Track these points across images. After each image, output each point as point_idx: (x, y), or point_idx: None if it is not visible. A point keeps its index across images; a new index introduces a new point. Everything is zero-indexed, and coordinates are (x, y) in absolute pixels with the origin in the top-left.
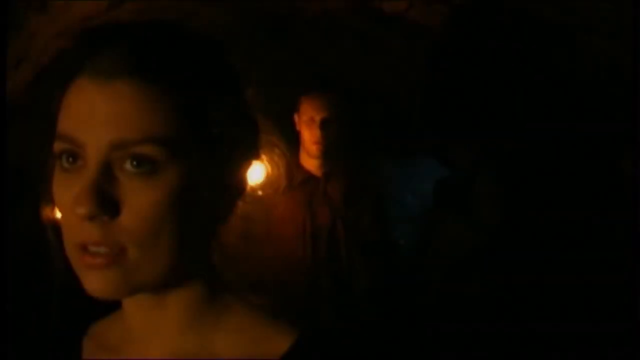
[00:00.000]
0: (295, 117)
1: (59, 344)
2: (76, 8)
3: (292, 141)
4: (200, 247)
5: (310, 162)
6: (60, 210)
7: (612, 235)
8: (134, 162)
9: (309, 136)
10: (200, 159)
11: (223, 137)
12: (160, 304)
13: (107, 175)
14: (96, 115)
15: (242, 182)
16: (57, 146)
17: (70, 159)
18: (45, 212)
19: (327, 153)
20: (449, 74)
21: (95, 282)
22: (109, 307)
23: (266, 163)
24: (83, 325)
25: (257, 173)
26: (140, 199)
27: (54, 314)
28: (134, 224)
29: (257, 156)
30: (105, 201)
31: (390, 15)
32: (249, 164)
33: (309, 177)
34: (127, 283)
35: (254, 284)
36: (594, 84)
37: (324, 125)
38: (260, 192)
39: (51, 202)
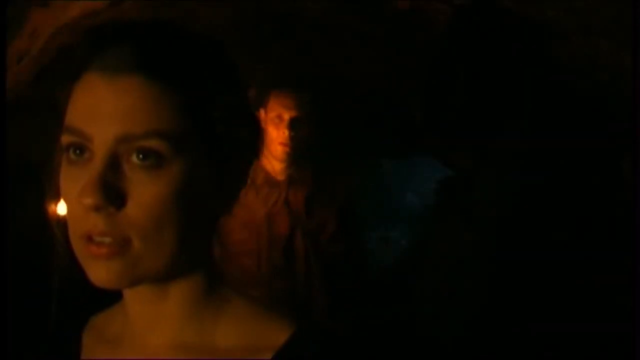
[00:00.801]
0: (262, 113)
1: (59, 336)
2: (77, 4)
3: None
4: (202, 240)
5: (273, 164)
6: (67, 202)
7: (612, 235)
8: (140, 155)
9: (275, 135)
10: (204, 155)
11: (225, 134)
12: (161, 296)
13: (113, 168)
14: (103, 109)
15: (243, 178)
16: (65, 139)
17: (78, 152)
18: (50, 204)
19: (293, 155)
20: (450, 75)
21: (100, 272)
22: (109, 299)
23: None
24: (83, 318)
25: None
26: (145, 191)
27: (55, 307)
28: (138, 215)
29: (257, 155)
30: (111, 192)
31: (394, 13)
32: (249, 162)
33: (269, 180)
34: (130, 273)
35: None
36: (595, 85)
37: (293, 124)
38: None
39: (56, 195)
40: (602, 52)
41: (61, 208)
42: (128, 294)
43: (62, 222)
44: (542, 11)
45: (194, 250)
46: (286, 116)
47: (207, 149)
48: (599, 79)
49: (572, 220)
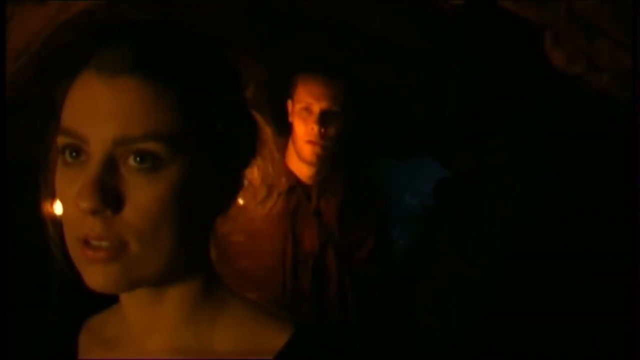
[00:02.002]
0: (289, 105)
1: (56, 337)
2: (75, 3)
3: (282, 135)
4: (199, 242)
5: (300, 166)
6: (63, 205)
7: (615, 236)
8: (137, 158)
9: (303, 132)
10: (202, 155)
11: (224, 134)
12: (158, 299)
13: (110, 171)
14: (100, 110)
15: (241, 179)
16: (61, 140)
17: (74, 154)
18: (45, 205)
19: (324, 156)
20: (450, 75)
21: (97, 276)
22: (106, 301)
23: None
24: (80, 319)
25: None
26: (142, 195)
27: (51, 308)
28: (136, 219)
29: (255, 154)
30: (108, 196)
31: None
32: (248, 162)
33: (296, 186)
34: (128, 277)
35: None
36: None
37: (324, 118)
38: (240, 201)
39: (52, 196)
40: (602, 52)
41: (57, 210)
42: (125, 297)
43: (57, 224)
44: (541, 11)
45: (191, 253)
46: (316, 108)
47: (206, 150)
48: (599, 79)
49: (573, 220)
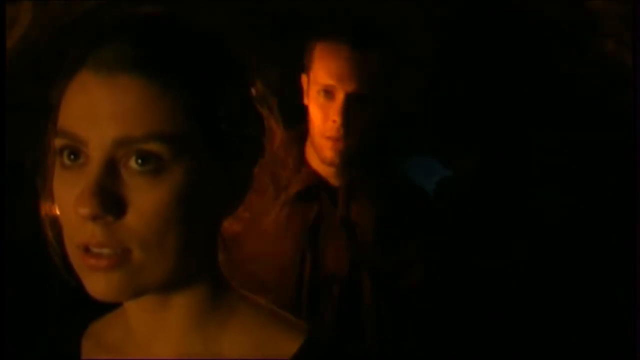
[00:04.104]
0: (303, 80)
1: (58, 342)
2: (77, 3)
3: (293, 121)
4: (206, 247)
5: (320, 165)
6: (62, 209)
7: (613, 236)
8: (139, 160)
9: (321, 125)
10: (207, 156)
11: (230, 133)
12: (164, 305)
13: (110, 174)
14: (99, 111)
15: (249, 180)
16: (58, 142)
17: (72, 156)
18: (44, 208)
19: (350, 156)
20: (452, 76)
21: (98, 285)
22: (109, 305)
23: None
24: (82, 324)
25: None
26: (145, 199)
27: (53, 313)
28: (138, 224)
29: (263, 154)
30: (109, 201)
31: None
32: (255, 162)
33: (316, 186)
34: (131, 285)
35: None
36: (599, 85)
37: (350, 105)
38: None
39: (50, 199)
40: (607, 52)
41: (55, 215)
42: (129, 303)
43: (56, 229)
44: (546, 12)
45: (197, 258)
46: (339, 93)
47: (210, 150)
48: (604, 80)
49: (574, 220)
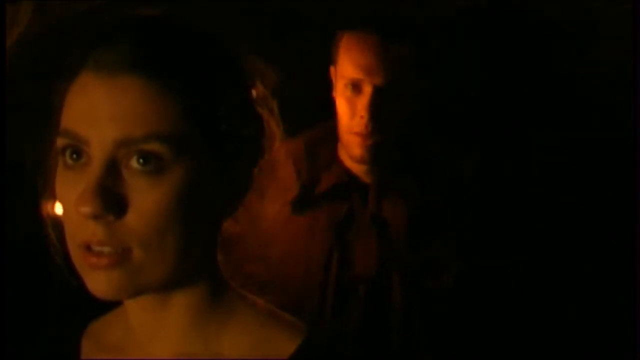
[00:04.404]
0: (332, 72)
1: (58, 342)
2: (76, 3)
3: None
4: (206, 246)
5: (350, 162)
6: (63, 209)
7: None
8: (140, 160)
9: (348, 120)
10: (206, 156)
11: (229, 134)
12: (164, 305)
13: (112, 173)
14: (100, 111)
15: (248, 180)
16: (61, 141)
17: (74, 156)
18: (45, 208)
19: (381, 153)
20: (451, 76)
21: (99, 283)
22: (110, 304)
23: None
24: (82, 324)
25: None
26: (146, 198)
27: (53, 312)
28: (139, 223)
29: (263, 155)
30: (110, 200)
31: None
32: (255, 163)
33: (347, 183)
34: (131, 284)
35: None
36: (599, 86)
37: (378, 99)
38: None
39: (52, 198)
40: (606, 54)
41: (57, 214)
42: (129, 302)
43: (58, 228)
44: (546, 11)
45: (197, 257)
46: (367, 87)
47: (210, 150)
48: (604, 80)
49: (575, 221)
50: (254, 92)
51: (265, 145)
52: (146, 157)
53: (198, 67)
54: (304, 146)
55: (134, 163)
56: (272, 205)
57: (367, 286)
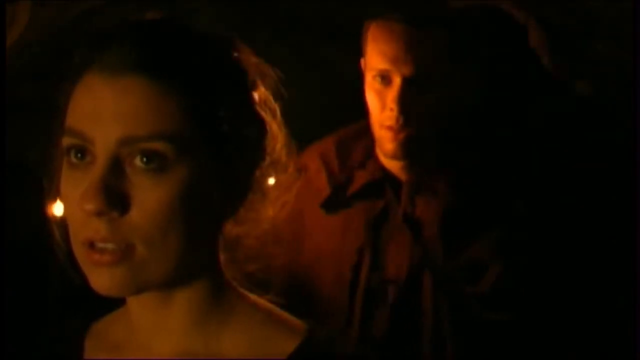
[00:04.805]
0: (362, 63)
1: (61, 342)
2: (76, 3)
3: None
4: (207, 244)
5: (385, 157)
6: (68, 206)
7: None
8: (144, 159)
9: (378, 113)
10: (209, 156)
11: (230, 134)
12: (165, 303)
13: (116, 172)
14: (105, 111)
15: (248, 181)
16: (66, 141)
17: (79, 155)
18: (50, 208)
19: (414, 148)
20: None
21: (102, 280)
22: (113, 304)
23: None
24: (85, 324)
25: None
26: (149, 196)
27: (55, 312)
28: (142, 220)
29: (264, 157)
30: (113, 197)
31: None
32: (255, 164)
33: (382, 180)
34: (134, 280)
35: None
36: (598, 85)
37: (408, 90)
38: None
39: (57, 198)
40: (603, 53)
41: (61, 212)
42: (131, 300)
43: (63, 227)
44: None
45: (199, 255)
46: (396, 78)
47: (212, 150)
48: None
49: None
50: (255, 94)
51: (267, 147)
52: (149, 156)
53: (200, 68)
54: (335, 145)
55: (138, 161)
56: (303, 206)
57: (396, 290)
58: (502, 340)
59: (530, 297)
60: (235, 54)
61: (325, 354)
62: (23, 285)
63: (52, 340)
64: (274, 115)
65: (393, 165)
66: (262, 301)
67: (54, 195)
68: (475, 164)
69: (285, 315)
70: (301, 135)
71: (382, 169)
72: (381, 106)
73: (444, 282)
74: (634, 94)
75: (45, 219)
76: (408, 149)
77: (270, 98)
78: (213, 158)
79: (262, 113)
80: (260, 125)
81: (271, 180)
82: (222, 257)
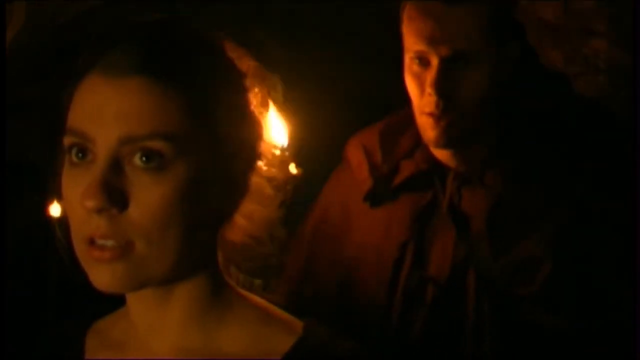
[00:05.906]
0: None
1: (62, 341)
2: (75, 3)
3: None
4: (206, 242)
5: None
6: (69, 204)
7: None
8: (143, 157)
9: (417, 98)
10: (207, 156)
11: (227, 135)
12: (165, 299)
13: (116, 170)
14: (106, 110)
15: (244, 182)
16: (67, 140)
17: (80, 154)
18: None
19: (458, 132)
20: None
21: (103, 276)
22: (113, 302)
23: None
24: (86, 323)
25: None
26: (148, 194)
27: (56, 311)
28: (142, 217)
29: (259, 157)
30: (113, 195)
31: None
32: (250, 166)
33: (429, 171)
34: (134, 277)
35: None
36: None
37: (449, 72)
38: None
39: (58, 197)
40: (602, 52)
41: (62, 210)
42: (131, 297)
43: (64, 225)
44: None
45: (198, 253)
46: (434, 59)
47: (210, 151)
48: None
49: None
50: (252, 96)
51: (263, 148)
52: (149, 155)
53: (199, 69)
54: (379, 136)
55: (137, 160)
56: (347, 200)
57: (436, 289)
58: (551, 348)
59: (584, 300)
60: (233, 55)
61: (321, 353)
62: (23, 284)
63: (52, 340)
64: (270, 116)
65: (443, 155)
66: (260, 300)
67: (55, 194)
68: (532, 154)
69: (283, 314)
70: (301, 135)
71: (431, 158)
72: (420, 91)
73: (490, 282)
74: (634, 94)
75: (45, 218)
76: (452, 137)
77: (267, 99)
78: (210, 157)
79: (259, 114)
80: (256, 127)
81: (267, 180)
82: (220, 255)
